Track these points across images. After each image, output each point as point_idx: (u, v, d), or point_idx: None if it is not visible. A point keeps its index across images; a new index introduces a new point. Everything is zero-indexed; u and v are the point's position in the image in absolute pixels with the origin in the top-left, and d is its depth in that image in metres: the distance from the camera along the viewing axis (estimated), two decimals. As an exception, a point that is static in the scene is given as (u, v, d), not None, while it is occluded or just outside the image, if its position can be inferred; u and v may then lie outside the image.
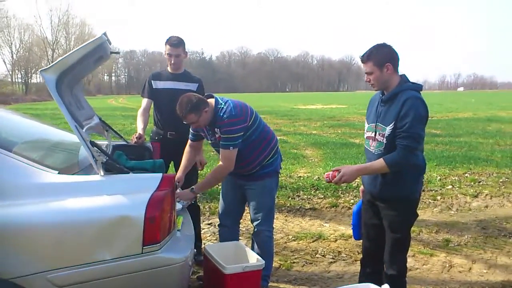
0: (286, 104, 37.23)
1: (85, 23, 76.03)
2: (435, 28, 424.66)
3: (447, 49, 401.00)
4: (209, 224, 4.95)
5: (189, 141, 3.29)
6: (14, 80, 70.11)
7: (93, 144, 2.23)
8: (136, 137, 3.35)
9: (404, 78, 2.61)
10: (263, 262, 2.88)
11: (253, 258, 2.98)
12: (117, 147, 3.20)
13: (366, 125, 2.75)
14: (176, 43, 3.64)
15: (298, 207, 5.70)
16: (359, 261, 3.98)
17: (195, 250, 3.84)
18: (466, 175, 7.56)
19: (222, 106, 2.92)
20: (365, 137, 2.77)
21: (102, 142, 3.34)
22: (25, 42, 69.05)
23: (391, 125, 2.52)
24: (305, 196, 6.20)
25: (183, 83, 3.70)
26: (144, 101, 3.75)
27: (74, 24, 74.34)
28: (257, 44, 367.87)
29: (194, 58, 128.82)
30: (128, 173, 2.28)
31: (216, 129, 2.95)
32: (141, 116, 3.68)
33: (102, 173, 2.19)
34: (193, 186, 3.06)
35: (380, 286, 2.33)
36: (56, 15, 72.57)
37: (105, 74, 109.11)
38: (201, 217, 4.98)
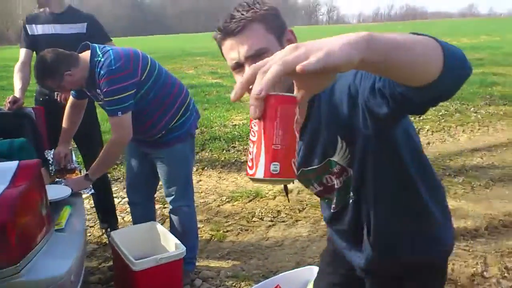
0: (222, 43, 35.78)
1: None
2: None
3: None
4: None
5: (70, 99, 2.59)
6: None
7: None
8: (9, 101, 2.58)
9: None
10: (183, 249, 2.34)
11: (171, 244, 2.43)
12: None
13: None
14: None
15: (233, 161, 5.18)
16: (299, 222, 3.60)
17: (109, 230, 3.27)
18: (406, 110, 7.33)
19: (100, 59, 2.21)
20: None
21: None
22: None
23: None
24: (241, 147, 5.67)
25: (68, 26, 2.89)
26: (22, 52, 2.94)
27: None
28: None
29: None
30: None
31: (97, 90, 2.27)
32: (19, 72, 2.86)
33: None
34: (87, 172, 2.39)
35: None
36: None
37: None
38: (119, 184, 4.37)
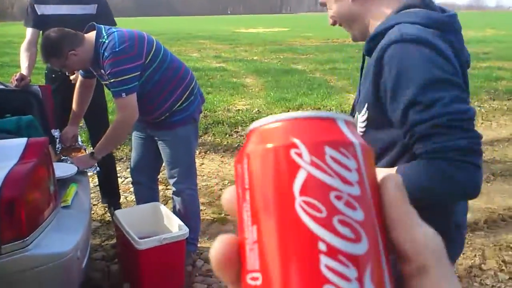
0: (227, 27, 35.59)
1: None
2: None
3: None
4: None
5: (79, 78, 2.61)
6: None
7: None
8: (17, 79, 2.59)
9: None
10: (186, 230, 2.37)
11: (175, 224, 2.46)
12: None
13: None
14: None
15: (236, 145, 5.20)
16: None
17: (112, 208, 3.30)
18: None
19: (104, 40, 2.22)
20: None
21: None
22: None
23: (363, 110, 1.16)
24: (244, 132, 5.68)
25: (78, 6, 2.88)
26: (29, 31, 2.93)
27: None
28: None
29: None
30: (-26, 140, 1.60)
31: (102, 70, 2.28)
32: (26, 51, 2.87)
33: None
34: (92, 150, 2.41)
35: None
36: None
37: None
38: (122, 164, 4.40)
